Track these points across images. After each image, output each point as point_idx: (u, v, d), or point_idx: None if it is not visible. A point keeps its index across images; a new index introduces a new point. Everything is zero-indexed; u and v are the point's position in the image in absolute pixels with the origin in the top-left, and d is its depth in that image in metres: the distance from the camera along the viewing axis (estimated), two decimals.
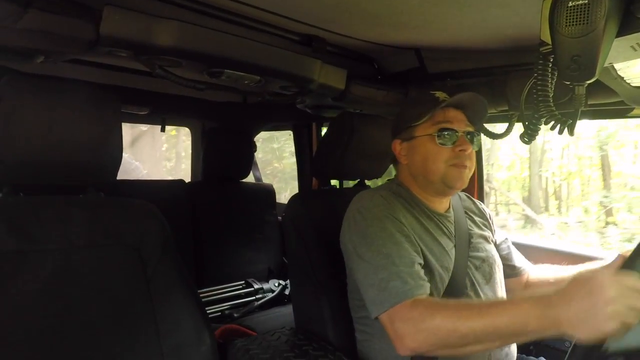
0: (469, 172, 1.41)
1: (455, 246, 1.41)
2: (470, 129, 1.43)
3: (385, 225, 1.30)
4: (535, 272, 1.65)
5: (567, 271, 1.55)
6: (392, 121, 1.55)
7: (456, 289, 1.34)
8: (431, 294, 1.27)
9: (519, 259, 1.65)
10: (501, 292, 1.47)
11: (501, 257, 1.58)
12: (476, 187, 2.24)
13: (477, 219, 1.59)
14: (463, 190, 1.54)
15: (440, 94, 1.43)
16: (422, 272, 1.25)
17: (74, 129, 1.21)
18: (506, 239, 1.67)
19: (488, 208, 1.71)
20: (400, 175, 1.53)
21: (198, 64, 1.47)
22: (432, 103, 1.40)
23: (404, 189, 1.48)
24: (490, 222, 1.66)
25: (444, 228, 1.44)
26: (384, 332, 1.22)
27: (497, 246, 1.61)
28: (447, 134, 1.38)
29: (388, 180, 1.61)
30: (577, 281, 0.93)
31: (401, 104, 1.52)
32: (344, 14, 1.40)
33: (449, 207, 1.51)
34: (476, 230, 1.53)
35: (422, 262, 1.28)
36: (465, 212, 1.57)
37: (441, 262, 1.34)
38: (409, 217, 1.37)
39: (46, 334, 1.12)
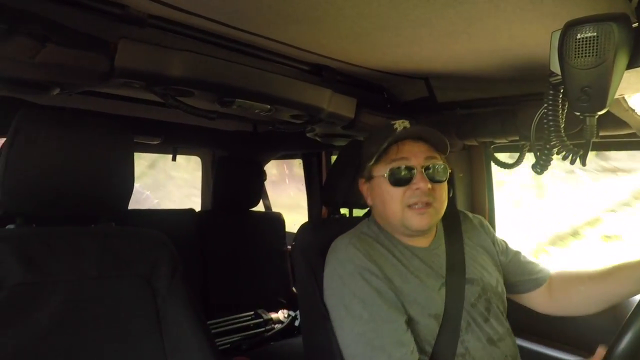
0: (434, 212, 1.31)
1: (444, 284, 1.30)
2: (435, 160, 1.33)
3: (361, 284, 1.23)
4: (557, 274, 1.51)
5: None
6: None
7: (449, 334, 1.24)
8: (422, 347, 1.23)
9: (533, 268, 1.51)
10: (501, 326, 1.34)
11: (516, 273, 1.49)
12: (487, 211, 2.21)
13: (475, 240, 1.48)
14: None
15: (399, 124, 1.33)
16: (410, 337, 1.19)
17: (87, 160, 1.23)
18: (518, 252, 1.55)
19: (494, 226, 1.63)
20: (373, 213, 1.45)
21: (209, 93, 1.49)
22: (388, 136, 1.30)
23: (379, 228, 1.40)
24: (492, 236, 1.54)
25: (429, 267, 1.33)
26: None
27: (506, 265, 1.50)
28: (399, 172, 1.29)
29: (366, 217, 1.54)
30: None
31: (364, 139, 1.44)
32: (354, 45, 1.42)
33: (435, 236, 1.42)
34: (475, 256, 1.42)
35: (405, 317, 1.22)
36: (462, 236, 1.46)
37: (428, 310, 1.25)
38: (386, 266, 1.28)
39: None
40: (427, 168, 1.30)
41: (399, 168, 1.29)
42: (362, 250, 1.28)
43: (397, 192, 1.30)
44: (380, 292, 1.22)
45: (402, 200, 1.29)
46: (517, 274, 1.50)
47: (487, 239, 1.53)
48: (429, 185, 1.28)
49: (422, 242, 1.39)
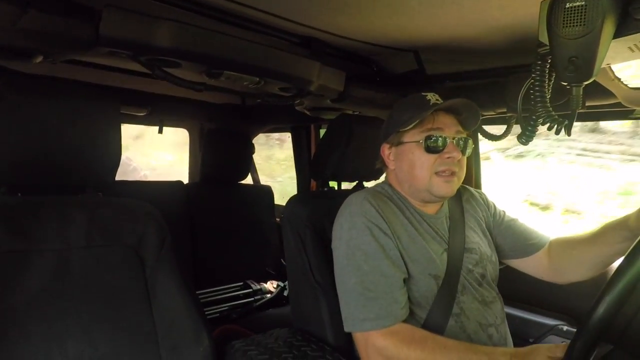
0: (457, 181, 1.38)
1: (447, 250, 1.38)
2: (462, 134, 1.40)
3: (368, 239, 1.29)
4: (555, 240, 1.54)
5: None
6: (383, 124, 1.51)
7: (447, 295, 1.32)
8: (420, 303, 1.31)
9: (531, 234, 1.56)
10: (493, 291, 1.43)
11: (513, 239, 1.54)
12: (474, 183, 2.24)
13: (476, 210, 1.56)
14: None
15: (432, 96, 1.40)
16: (404, 294, 1.27)
17: (73, 130, 1.22)
18: (516, 219, 1.60)
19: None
20: (389, 178, 1.51)
21: (197, 64, 1.47)
22: (422, 107, 1.36)
23: (394, 190, 1.46)
24: (489, 207, 1.61)
25: (435, 232, 1.41)
26: None
27: (504, 231, 1.56)
28: (435, 141, 1.34)
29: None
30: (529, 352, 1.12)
31: (393, 107, 1.48)
32: (342, 16, 1.40)
33: (442, 206, 1.49)
34: (473, 227, 1.51)
35: (405, 275, 1.29)
36: (463, 207, 1.53)
37: (429, 271, 1.32)
38: (397, 224, 1.35)
39: (45, 333, 1.12)
40: (457, 140, 1.37)
41: (435, 137, 1.35)
42: (376, 206, 1.34)
43: (429, 158, 1.35)
44: (384, 249, 1.29)
45: (432, 167, 1.35)
46: (514, 239, 1.56)
47: (486, 210, 1.60)
48: (460, 156, 1.35)
49: (431, 209, 1.46)
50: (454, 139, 1.36)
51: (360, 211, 1.33)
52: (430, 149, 1.35)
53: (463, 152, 1.38)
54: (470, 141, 1.42)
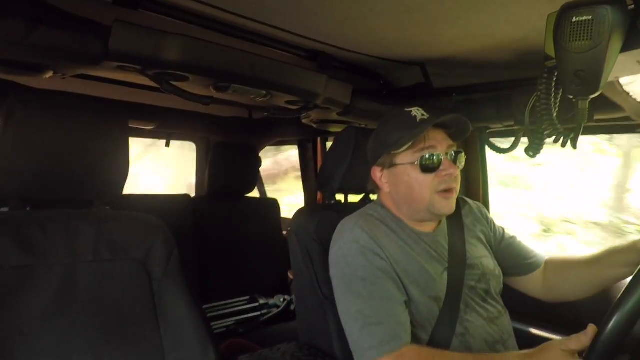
0: (455, 195, 1.36)
1: (447, 269, 1.35)
2: (453, 147, 1.36)
3: (364, 264, 1.27)
4: (550, 259, 1.53)
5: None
6: (368, 146, 1.47)
7: (449, 315, 1.29)
8: (423, 326, 1.28)
9: (529, 253, 1.54)
10: (498, 305, 1.41)
11: (511, 257, 1.53)
12: (481, 197, 2.23)
13: (475, 225, 1.53)
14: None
15: (417, 112, 1.35)
16: (406, 315, 1.24)
17: (82, 144, 1.22)
18: (514, 237, 1.58)
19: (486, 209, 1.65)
20: (382, 199, 1.47)
21: (205, 78, 1.48)
22: (411, 125, 1.32)
23: (387, 212, 1.43)
24: (489, 222, 1.58)
25: (433, 251, 1.37)
26: None
27: (503, 250, 1.54)
28: (430, 159, 1.31)
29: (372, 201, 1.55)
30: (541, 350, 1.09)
31: (378, 127, 1.45)
32: (350, 30, 1.41)
33: (440, 223, 1.45)
34: (474, 241, 1.47)
35: (406, 298, 1.26)
36: (463, 222, 1.50)
37: (429, 292, 1.29)
38: (391, 247, 1.31)
39: (51, 349, 1.12)
40: (450, 155, 1.35)
41: (429, 156, 1.32)
42: (368, 231, 1.32)
43: (427, 178, 1.32)
44: (382, 271, 1.26)
45: (431, 187, 1.32)
46: (512, 258, 1.54)
47: (485, 224, 1.57)
48: (457, 171, 1.34)
49: (427, 228, 1.42)
50: (447, 154, 1.33)
51: (352, 238, 1.31)
52: (426, 169, 1.32)
53: (459, 166, 1.35)
54: (463, 153, 1.39)
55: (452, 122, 1.35)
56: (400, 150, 1.34)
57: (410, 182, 1.34)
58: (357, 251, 1.29)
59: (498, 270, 1.46)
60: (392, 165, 1.37)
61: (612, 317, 0.83)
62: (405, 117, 1.35)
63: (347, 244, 1.32)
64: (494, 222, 1.60)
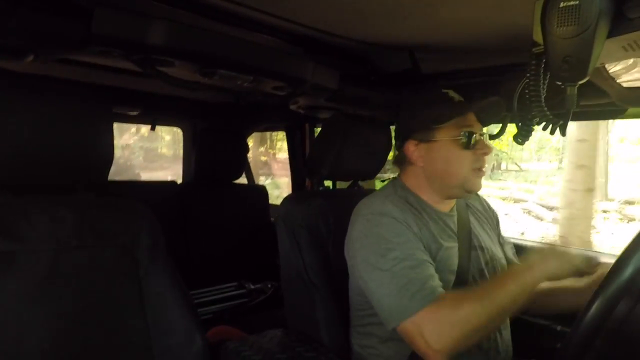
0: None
1: (459, 248, 1.39)
2: (484, 130, 1.43)
3: (399, 231, 1.28)
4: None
5: None
6: (400, 120, 1.50)
7: (461, 287, 1.32)
8: None
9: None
10: None
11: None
12: None
13: (482, 217, 1.59)
14: None
15: (452, 94, 1.41)
16: (434, 271, 1.26)
17: (64, 129, 1.20)
18: (509, 243, 1.64)
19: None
20: (406, 176, 1.48)
21: (190, 63, 1.46)
22: (449, 103, 1.38)
23: (409, 192, 1.45)
24: (497, 222, 1.65)
25: (448, 229, 1.42)
26: (387, 338, 1.26)
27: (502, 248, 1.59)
28: (472, 138, 1.36)
29: (390, 180, 1.56)
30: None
31: (412, 102, 1.49)
32: (337, 14, 1.40)
33: (454, 205, 1.50)
34: (479, 229, 1.52)
35: (434, 266, 1.29)
36: (470, 210, 1.55)
37: (447, 267, 1.34)
38: (418, 224, 1.34)
39: (36, 336, 1.11)
40: (486, 136, 1.43)
41: (471, 133, 1.36)
42: (398, 206, 1.35)
43: (466, 154, 1.37)
44: (416, 237, 1.30)
45: (468, 163, 1.37)
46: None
47: (491, 218, 1.64)
48: (490, 151, 1.40)
49: (446, 207, 1.47)
50: (481, 135, 1.39)
51: (384, 210, 1.33)
52: (468, 146, 1.36)
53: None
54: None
55: (489, 106, 1.40)
56: (442, 125, 1.37)
57: (449, 157, 1.38)
58: (389, 220, 1.30)
59: (504, 260, 1.51)
60: (431, 139, 1.40)
61: (590, 306, 0.84)
62: (443, 96, 1.41)
63: (379, 212, 1.33)
64: (498, 220, 1.67)
